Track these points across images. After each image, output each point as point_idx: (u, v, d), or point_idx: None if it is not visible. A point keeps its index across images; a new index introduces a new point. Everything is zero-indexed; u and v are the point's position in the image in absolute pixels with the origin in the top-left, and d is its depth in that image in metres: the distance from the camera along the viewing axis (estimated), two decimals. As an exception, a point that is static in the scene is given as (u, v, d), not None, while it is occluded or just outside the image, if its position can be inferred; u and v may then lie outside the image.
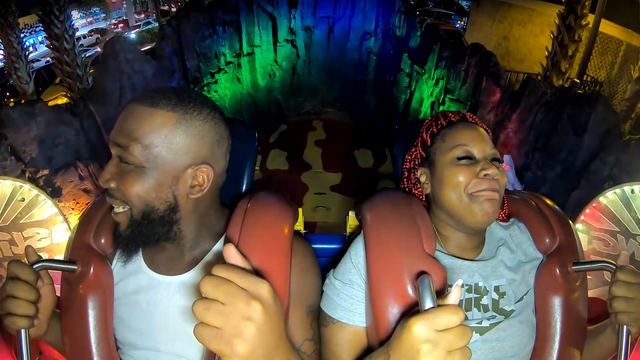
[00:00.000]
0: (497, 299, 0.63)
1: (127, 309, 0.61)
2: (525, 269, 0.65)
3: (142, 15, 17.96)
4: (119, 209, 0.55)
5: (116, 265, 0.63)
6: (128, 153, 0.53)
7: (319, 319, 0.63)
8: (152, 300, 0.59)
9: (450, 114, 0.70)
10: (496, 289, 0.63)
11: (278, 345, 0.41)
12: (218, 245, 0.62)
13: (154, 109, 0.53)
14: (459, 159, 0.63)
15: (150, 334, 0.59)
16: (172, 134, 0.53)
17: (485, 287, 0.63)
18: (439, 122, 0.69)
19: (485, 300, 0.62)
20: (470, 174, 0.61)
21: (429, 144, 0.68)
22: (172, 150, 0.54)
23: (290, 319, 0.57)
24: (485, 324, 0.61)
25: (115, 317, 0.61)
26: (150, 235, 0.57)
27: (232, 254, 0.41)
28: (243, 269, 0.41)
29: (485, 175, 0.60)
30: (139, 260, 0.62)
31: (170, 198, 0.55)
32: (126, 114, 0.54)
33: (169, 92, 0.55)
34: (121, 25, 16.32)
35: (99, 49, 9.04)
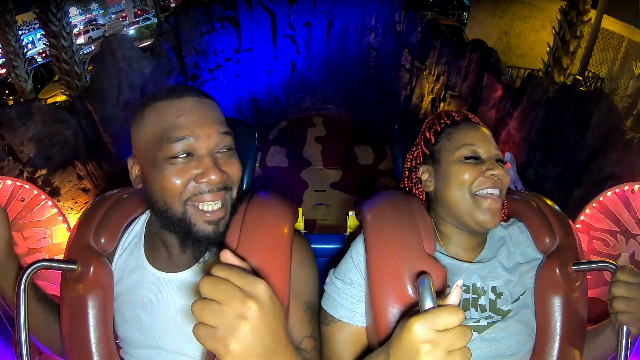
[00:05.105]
0: (494, 299, 0.63)
1: (129, 305, 0.61)
2: (522, 269, 0.65)
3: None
4: (219, 201, 0.56)
5: (117, 262, 0.63)
6: (231, 138, 0.59)
7: (319, 317, 0.63)
8: (154, 297, 0.60)
9: (453, 113, 0.69)
10: (493, 289, 0.63)
11: (276, 346, 0.40)
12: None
13: (211, 100, 0.60)
14: (466, 158, 0.64)
15: (151, 331, 0.60)
16: None
17: (482, 287, 0.63)
18: (442, 120, 0.69)
19: (482, 301, 0.63)
20: (476, 173, 0.62)
21: (432, 142, 0.68)
22: None
23: (289, 316, 0.57)
24: (483, 322, 0.61)
25: (117, 314, 0.62)
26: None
27: (229, 259, 0.42)
28: (242, 269, 0.41)
29: (491, 175, 0.61)
30: (141, 257, 0.62)
31: None
32: (205, 107, 0.58)
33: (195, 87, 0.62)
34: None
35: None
